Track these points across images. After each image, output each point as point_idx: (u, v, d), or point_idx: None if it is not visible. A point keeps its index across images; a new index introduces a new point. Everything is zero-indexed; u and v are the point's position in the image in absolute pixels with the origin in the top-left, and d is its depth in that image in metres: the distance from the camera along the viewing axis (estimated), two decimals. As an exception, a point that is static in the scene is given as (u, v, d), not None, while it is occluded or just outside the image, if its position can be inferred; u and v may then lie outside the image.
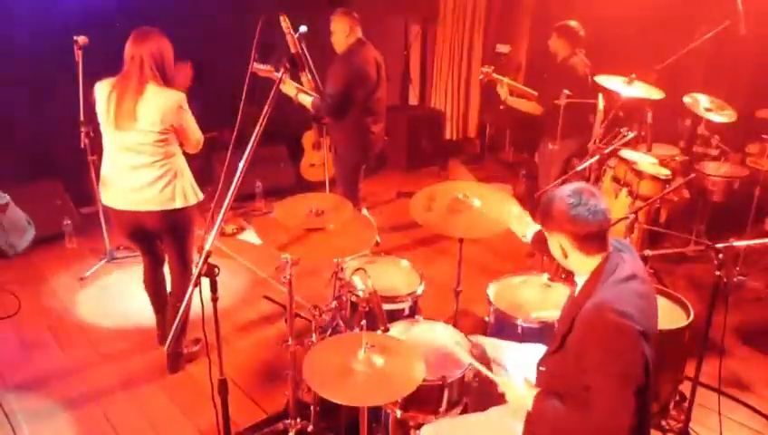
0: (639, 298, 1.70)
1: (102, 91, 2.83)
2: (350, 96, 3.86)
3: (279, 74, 1.96)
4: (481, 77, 4.36)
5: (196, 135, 2.99)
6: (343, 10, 3.92)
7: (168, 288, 3.31)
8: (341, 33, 3.87)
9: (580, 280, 1.84)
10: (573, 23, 4.28)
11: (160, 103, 2.77)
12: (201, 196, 3.07)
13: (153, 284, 3.31)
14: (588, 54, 4.39)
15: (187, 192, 2.98)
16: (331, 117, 4.00)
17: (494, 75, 4.36)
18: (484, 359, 2.33)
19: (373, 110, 4.02)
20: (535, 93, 4.40)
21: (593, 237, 1.74)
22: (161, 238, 3.14)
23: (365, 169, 4.25)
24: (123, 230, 3.08)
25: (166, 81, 2.83)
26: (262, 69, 3.71)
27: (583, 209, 1.71)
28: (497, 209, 2.59)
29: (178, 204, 2.94)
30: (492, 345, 2.46)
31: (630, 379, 1.64)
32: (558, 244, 1.81)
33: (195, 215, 3.12)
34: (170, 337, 1.90)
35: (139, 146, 2.82)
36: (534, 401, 1.85)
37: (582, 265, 1.80)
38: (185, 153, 3.05)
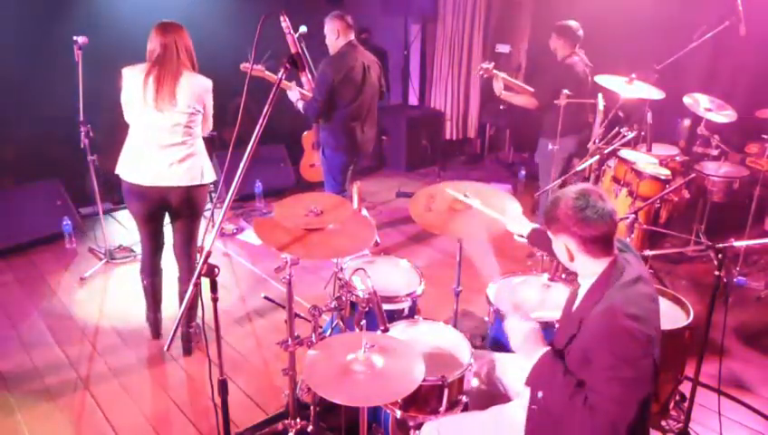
0: (647, 301, 1.70)
1: (136, 75, 2.98)
2: (333, 98, 3.92)
3: (279, 75, 1.95)
4: (481, 72, 4.36)
5: (211, 119, 3.25)
6: (336, 13, 3.97)
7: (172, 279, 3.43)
8: (331, 35, 3.95)
9: (586, 282, 1.83)
10: (573, 22, 4.28)
11: (196, 86, 3.04)
12: (215, 176, 3.28)
13: (153, 272, 3.38)
14: (588, 54, 4.39)
15: (207, 170, 3.20)
16: (317, 118, 4.07)
17: (494, 71, 4.37)
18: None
19: (359, 113, 4.06)
20: (531, 90, 4.40)
21: (600, 240, 1.72)
22: (177, 217, 3.26)
23: (352, 170, 4.30)
24: (145, 207, 3.17)
25: (194, 68, 3.10)
26: (255, 69, 3.83)
27: (591, 212, 1.69)
28: (497, 208, 2.59)
29: (203, 180, 3.17)
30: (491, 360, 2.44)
31: (639, 385, 1.63)
32: (564, 246, 1.78)
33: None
34: (171, 336, 1.88)
35: (174, 127, 3.03)
36: (543, 356, 1.82)
37: (588, 267, 1.78)
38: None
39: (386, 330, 2.23)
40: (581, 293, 1.86)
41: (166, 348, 1.82)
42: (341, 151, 4.13)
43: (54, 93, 4.31)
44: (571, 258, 1.79)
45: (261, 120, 1.88)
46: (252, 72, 3.77)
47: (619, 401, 1.63)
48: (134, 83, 2.99)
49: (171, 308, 3.58)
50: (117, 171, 3.15)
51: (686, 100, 4.22)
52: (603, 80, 3.88)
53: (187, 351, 3.38)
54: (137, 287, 3.97)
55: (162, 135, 3.05)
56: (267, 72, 3.99)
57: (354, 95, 3.98)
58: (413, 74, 7.23)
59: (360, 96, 4.02)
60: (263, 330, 3.65)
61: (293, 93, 4.07)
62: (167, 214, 3.28)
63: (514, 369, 2.31)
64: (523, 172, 6.17)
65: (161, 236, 3.36)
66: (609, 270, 1.75)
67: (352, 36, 3.99)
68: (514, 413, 2.04)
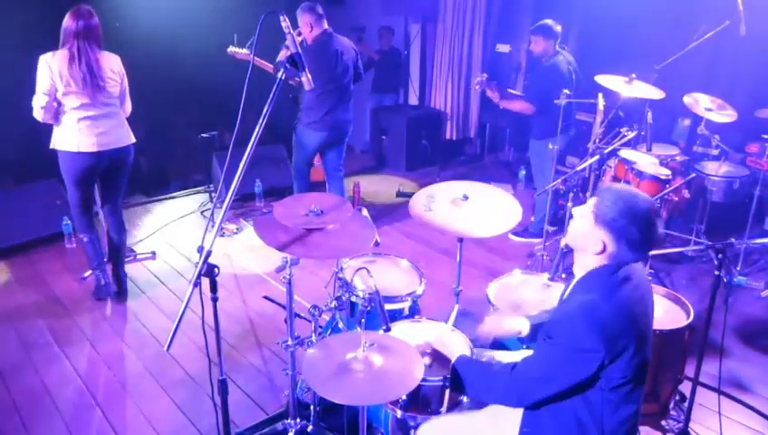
0: (633, 304, 1.71)
1: (61, 60, 3.32)
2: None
3: (252, 52, 1.96)
4: (477, 87, 4.56)
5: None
6: (306, 5, 4.19)
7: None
8: (305, 27, 4.20)
9: (580, 274, 1.85)
10: (548, 20, 4.36)
11: (113, 61, 3.54)
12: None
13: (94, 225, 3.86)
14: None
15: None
16: (293, 98, 4.34)
17: (486, 84, 4.51)
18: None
19: (331, 95, 4.31)
20: (520, 94, 4.48)
21: None
22: (117, 176, 3.74)
23: (330, 159, 4.62)
24: (97, 171, 3.60)
25: (101, 47, 3.48)
26: (239, 52, 4.07)
27: None
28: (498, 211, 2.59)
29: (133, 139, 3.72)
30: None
31: (562, 370, 1.70)
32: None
33: None
34: (171, 336, 1.88)
35: (109, 98, 3.52)
36: (459, 357, 1.98)
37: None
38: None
39: (387, 329, 2.23)
40: (572, 283, 1.88)
41: (166, 348, 1.82)
42: (311, 128, 4.38)
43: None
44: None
45: (261, 120, 1.88)
46: (237, 57, 4.08)
47: (541, 362, 1.75)
48: (63, 67, 3.36)
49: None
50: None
51: (686, 100, 4.22)
52: (603, 80, 3.89)
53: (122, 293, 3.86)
54: (137, 287, 3.98)
55: (101, 108, 3.54)
56: (249, 56, 4.10)
57: (326, 79, 4.22)
58: (413, 74, 7.23)
59: (333, 81, 4.27)
60: (263, 330, 3.65)
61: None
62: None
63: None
64: (523, 172, 6.17)
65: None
66: (604, 265, 1.78)
67: (326, 25, 4.23)
68: (512, 412, 2.04)
